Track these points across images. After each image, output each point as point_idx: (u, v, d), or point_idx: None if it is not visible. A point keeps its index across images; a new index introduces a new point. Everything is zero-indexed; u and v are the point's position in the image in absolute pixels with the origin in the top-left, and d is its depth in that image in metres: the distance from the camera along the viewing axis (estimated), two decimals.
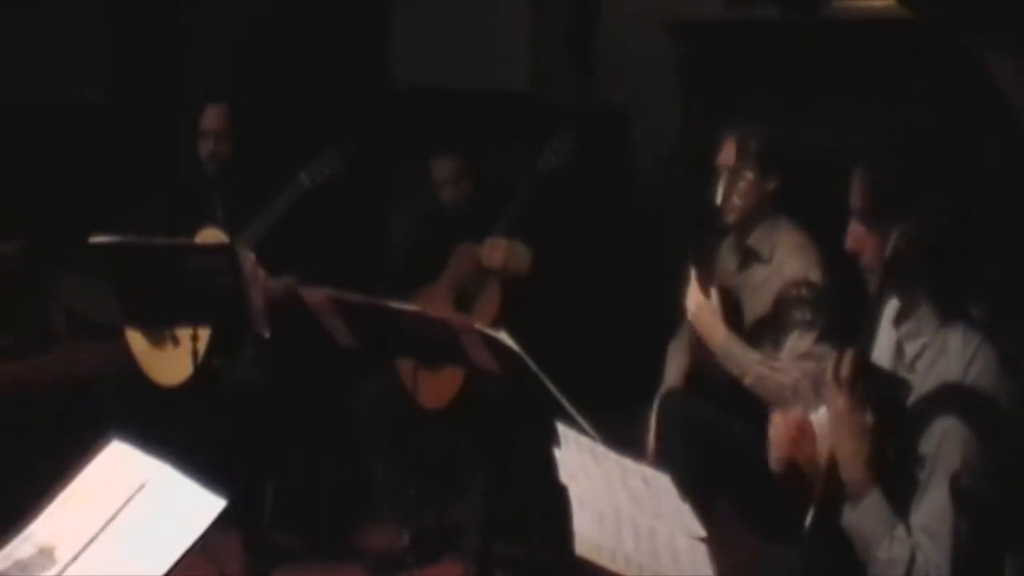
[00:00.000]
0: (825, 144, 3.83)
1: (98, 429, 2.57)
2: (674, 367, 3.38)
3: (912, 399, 2.29)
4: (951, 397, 2.22)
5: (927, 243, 2.21)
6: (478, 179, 4.01)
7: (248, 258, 3.55)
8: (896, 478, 2.23)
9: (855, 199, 2.36)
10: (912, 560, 2.15)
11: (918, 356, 2.31)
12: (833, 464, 2.26)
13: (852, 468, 2.23)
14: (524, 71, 5.40)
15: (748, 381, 3.09)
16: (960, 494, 2.13)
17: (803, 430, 2.42)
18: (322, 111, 5.42)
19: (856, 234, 2.37)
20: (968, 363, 2.23)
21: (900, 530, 2.19)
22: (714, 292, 3.16)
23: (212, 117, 4.08)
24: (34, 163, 4.96)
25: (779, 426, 2.44)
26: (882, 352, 2.39)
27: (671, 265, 3.40)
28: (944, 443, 2.19)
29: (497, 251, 3.73)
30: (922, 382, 2.29)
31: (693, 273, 3.21)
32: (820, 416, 2.43)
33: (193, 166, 4.16)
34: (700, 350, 3.17)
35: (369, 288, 3.47)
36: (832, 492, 2.26)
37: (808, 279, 3.14)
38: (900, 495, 2.23)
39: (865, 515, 2.21)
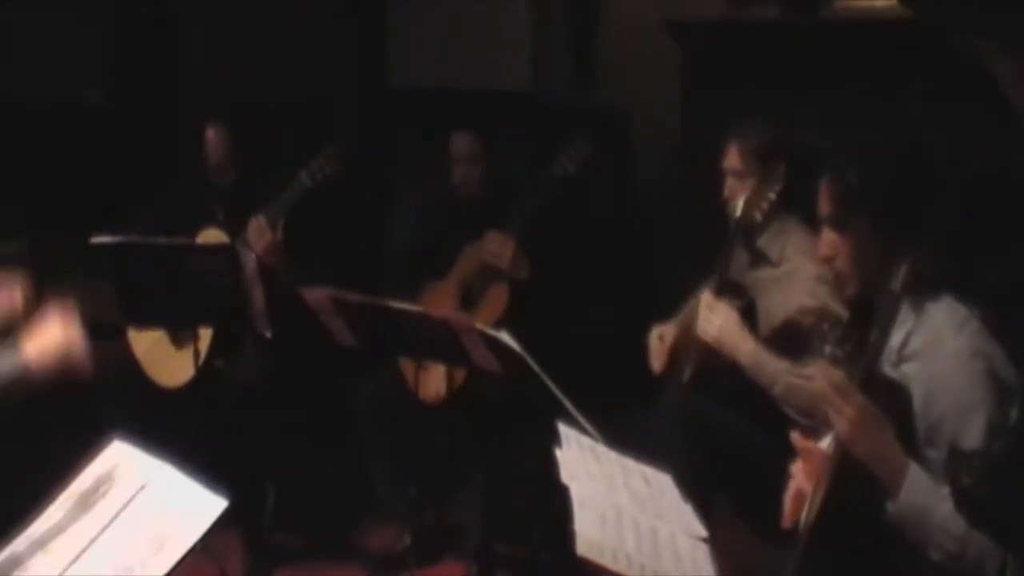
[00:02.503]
0: (824, 144, 3.83)
1: (98, 429, 2.57)
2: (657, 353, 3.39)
3: (909, 385, 2.28)
4: (945, 364, 2.22)
5: (942, 254, 2.21)
6: (489, 169, 3.98)
7: (249, 258, 3.55)
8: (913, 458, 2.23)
9: (823, 207, 2.38)
10: None
11: (904, 345, 2.31)
12: (840, 474, 2.22)
13: (887, 458, 2.15)
14: (524, 71, 5.40)
15: (778, 391, 3.02)
16: (960, 494, 2.13)
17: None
18: (322, 111, 5.42)
19: (828, 240, 2.39)
20: (959, 326, 2.24)
21: (946, 489, 2.16)
22: (727, 304, 3.13)
23: (217, 150, 4.04)
24: (34, 163, 4.96)
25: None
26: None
27: (670, 265, 3.40)
28: (947, 407, 2.19)
29: (506, 249, 3.72)
30: (914, 366, 2.28)
31: (708, 294, 3.16)
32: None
33: (193, 168, 4.15)
34: (709, 356, 3.14)
35: (370, 288, 3.47)
36: (835, 497, 2.24)
37: (828, 309, 3.10)
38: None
39: (912, 491, 2.14)
